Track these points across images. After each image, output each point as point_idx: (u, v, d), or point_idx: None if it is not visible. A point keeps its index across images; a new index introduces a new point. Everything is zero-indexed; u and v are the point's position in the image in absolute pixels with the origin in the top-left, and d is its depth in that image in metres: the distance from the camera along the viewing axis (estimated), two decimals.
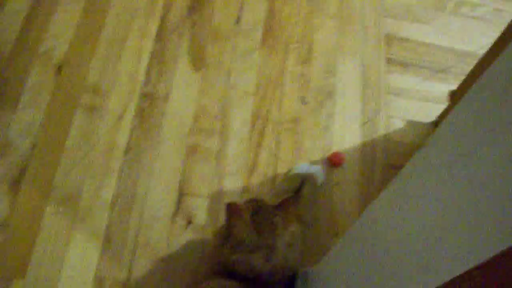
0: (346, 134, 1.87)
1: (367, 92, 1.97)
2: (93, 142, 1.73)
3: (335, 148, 1.83)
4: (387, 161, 1.83)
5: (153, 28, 1.99)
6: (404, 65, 2.06)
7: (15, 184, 1.64)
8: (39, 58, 1.87)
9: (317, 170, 1.72)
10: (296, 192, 1.67)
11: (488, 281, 0.60)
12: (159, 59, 1.92)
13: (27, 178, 1.65)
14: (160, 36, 1.97)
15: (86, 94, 1.82)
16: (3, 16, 1.93)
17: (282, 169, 1.76)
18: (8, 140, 1.70)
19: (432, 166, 0.78)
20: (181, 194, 1.68)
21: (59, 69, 1.85)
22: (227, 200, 1.62)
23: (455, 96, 1.81)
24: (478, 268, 0.59)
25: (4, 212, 1.59)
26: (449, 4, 2.26)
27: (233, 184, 1.72)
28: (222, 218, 1.65)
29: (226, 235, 1.38)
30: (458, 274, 0.63)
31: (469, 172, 0.68)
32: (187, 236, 1.62)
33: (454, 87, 1.85)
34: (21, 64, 1.85)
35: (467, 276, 0.62)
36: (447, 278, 0.67)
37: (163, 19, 2.01)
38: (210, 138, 1.79)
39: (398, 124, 1.92)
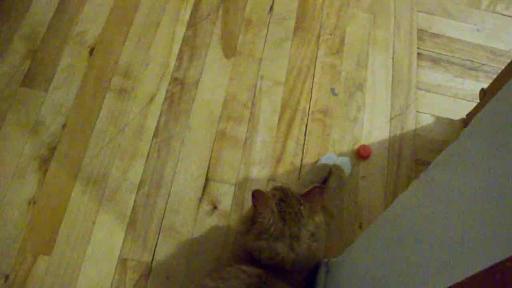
0: (374, 128, 1.86)
1: (397, 86, 1.96)
2: (122, 125, 1.75)
3: (363, 141, 1.83)
4: (414, 156, 1.83)
5: (186, 13, 2.00)
6: (435, 61, 2.04)
7: (45, 163, 1.66)
8: (73, 39, 1.89)
9: (345, 162, 1.72)
10: (322, 183, 1.67)
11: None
12: (191, 45, 1.93)
13: (57, 157, 1.68)
14: (192, 22, 1.98)
15: (117, 76, 1.83)
16: None
17: (309, 160, 1.77)
18: (39, 119, 1.72)
19: (467, 158, 0.78)
20: (208, 180, 1.70)
21: (91, 51, 1.87)
22: (253, 187, 1.63)
23: (486, 95, 1.79)
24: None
25: (33, 189, 1.62)
26: (484, 1, 2.24)
27: (259, 172, 1.73)
28: (247, 205, 1.66)
29: (251, 222, 1.39)
30: (488, 266, 0.63)
31: (506, 164, 0.68)
32: (212, 221, 1.63)
33: (485, 85, 1.83)
34: (55, 45, 1.87)
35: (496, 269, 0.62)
36: (476, 270, 0.66)
37: (196, 5, 2.02)
38: (239, 126, 1.80)
39: (426, 119, 1.90)
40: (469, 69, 2.04)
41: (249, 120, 1.81)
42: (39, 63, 1.82)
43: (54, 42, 1.87)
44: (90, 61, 1.85)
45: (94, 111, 1.76)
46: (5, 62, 1.81)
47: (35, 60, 1.83)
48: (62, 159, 1.67)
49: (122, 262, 1.55)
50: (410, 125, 1.88)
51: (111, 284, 1.52)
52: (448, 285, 0.72)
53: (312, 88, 1.90)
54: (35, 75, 1.80)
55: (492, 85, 1.79)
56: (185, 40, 1.94)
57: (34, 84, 1.78)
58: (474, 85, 1.99)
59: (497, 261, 0.62)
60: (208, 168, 1.72)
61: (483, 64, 2.06)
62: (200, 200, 1.66)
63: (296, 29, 2.03)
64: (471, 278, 0.67)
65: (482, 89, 1.82)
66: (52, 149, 1.68)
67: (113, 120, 1.75)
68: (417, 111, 1.92)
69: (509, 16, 2.21)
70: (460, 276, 0.70)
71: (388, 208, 1.12)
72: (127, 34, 1.92)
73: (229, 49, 1.94)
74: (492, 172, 0.71)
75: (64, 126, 1.72)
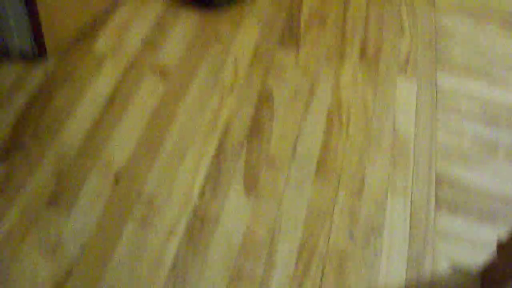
0: (390, 273, 1.85)
1: (414, 232, 1.96)
2: (140, 255, 1.76)
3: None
4: None
5: (212, 148, 2.05)
6: (453, 208, 2.06)
7: (59, 287, 1.66)
8: (99, 165, 1.94)
9: None
10: None
11: None
12: (214, 180, 1.97)
13: (72, 283, 1.68)
14: (217, 157, 2.03)
15: (140, 205, 1.86)
16: (73, 121, 2.03)
17: None
18: (59, 242, 1.74)
19: None
20: None
21: (117, 178, 1.92)
22: None
23: (503, 249, 1.79)
24: None
25: None
26: (501, 149, 2.28)
27: None
28: None
29: None
30: None
31: None
32: None
33: (503, 235, 1.84)
34: (82, 169, 1.92)
35: None
36: None
37: (222, 140, 2.08)
38: (256, 264, 1.80)
39: (443, 267, 1.90)
40: (487, 218, 2.05)
41: (267, 259, 1.82)
42: (65, 185, 1.86)
43: (81, 167, 1.92)
44: (115, 188, 1.89)
45: (113, 240, 1.78)
46: (32, 182, 1.86)
47: (60, 182, 1.87)
48: (77, 285, 1.67)
49: None
50: (427, 273, 1.87)
51: None
52: None
53: (330, 231, 1.92)
54: (60, 197, 1.84)
55: (510, 237, 1.79)
56: (208, 175, 1.98)
57: (58, 205, 1.82)
58: (492, 235, 2.00)
59: None
60: None
61: (501, 214, 2.07)
62: None
63: (317, 170, 2.07)
64: None
65: (500, 243, 1.82)
66: (68, 274, 1.69)
67: (132, 250, 1.77)
68: (434, 258, 1.91)
69: None
70: None
71: None
72: (153, 164, 1.97)
73: (251, 187, 1.98)
74: None
75: (82, 251, 1.73)
